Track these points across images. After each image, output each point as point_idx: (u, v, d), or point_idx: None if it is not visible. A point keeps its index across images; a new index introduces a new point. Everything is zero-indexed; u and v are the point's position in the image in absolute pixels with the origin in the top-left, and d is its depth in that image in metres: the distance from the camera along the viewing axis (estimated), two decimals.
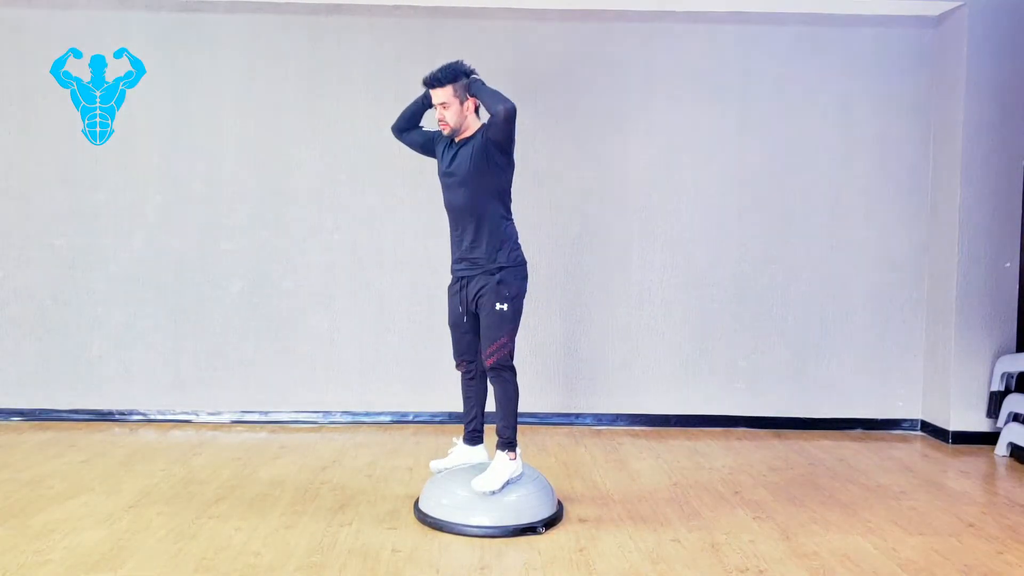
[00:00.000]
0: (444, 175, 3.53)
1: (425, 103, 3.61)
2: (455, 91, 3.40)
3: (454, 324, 3.64)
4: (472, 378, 3.69)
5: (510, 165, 3.48)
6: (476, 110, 3.49)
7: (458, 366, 3.71)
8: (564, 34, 5.17)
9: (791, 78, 5.20)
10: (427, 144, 3.67)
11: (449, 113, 3.42)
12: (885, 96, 5.21)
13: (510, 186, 3.53)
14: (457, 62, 3.46)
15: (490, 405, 3.74)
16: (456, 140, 3.50)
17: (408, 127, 3.72)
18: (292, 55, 5.14)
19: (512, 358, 3.50)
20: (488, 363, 3.47)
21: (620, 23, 5.16)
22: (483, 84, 3.44)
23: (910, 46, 5.20)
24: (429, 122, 3.66)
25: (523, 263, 3.55)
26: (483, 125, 3.44)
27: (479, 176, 3.41)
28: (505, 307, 3.44)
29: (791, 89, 5.20)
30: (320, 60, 5.15)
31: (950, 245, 5.01)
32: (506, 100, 3.31)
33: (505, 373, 3.49)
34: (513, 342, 3.49)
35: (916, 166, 5.23)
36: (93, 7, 5.09)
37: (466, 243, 3.50)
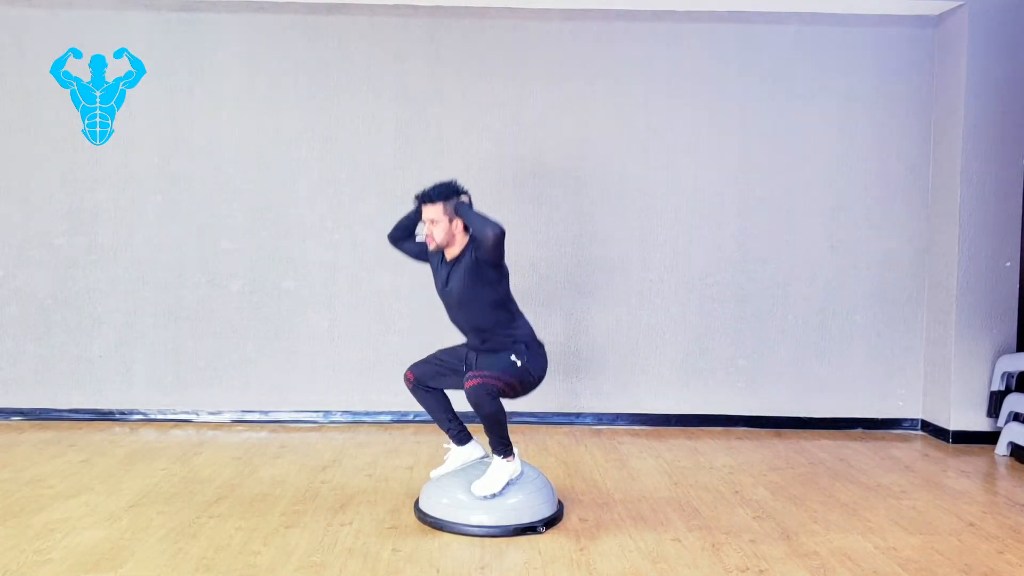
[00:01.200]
0: (442, 294, 3.57)
1: (418, 215, 3.62)
2: (444, 209, 3.42)
3: (444, 359, 3.61)
4: (415, 388, 3.64)
5: (503, 276, 3.48)
6: (465, 227, 3.46)
7: (406, 378, 3.65)
8: (565, 33, 5.17)
9: (791, 77, 5.20)
10: (423, 254, 3.69)
11: (437, 230, 3.44)
12: (885, 96, 5.21)
13: (509, 290, 3.53)
14: (450, 181, 3.48)
15: (461, 405, 3.71)
16: (447, 258, 3.52)
17: (403, 237, 3.76)
18: (292, 55, 5.14)
19: (493, 396, 3.34)
20: (469, 384, 3.32)
21: (621, 22, 5.16)
22: (471, 208, 3.45)
23: (910, 46, 5.19)
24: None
25: (542, 346, 3.54)
26: (470, 242, 3.43)
27: (475, 293, 3.43)
28: (519, 363, 3.41)
29: (791, 88, 5.20)
30: (320, 60, 5.15)
31: (950, 245, 5.01)
32: (493, 224, 3.29)
33: (484, 399, 3.33)
34: (502, 389, 3.36)
35: (916, 166, 5.23)
36: (93, 7, 5.10)
37: (477, 345, 3.51)
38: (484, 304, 3.45)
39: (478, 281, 3.42)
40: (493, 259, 3.38)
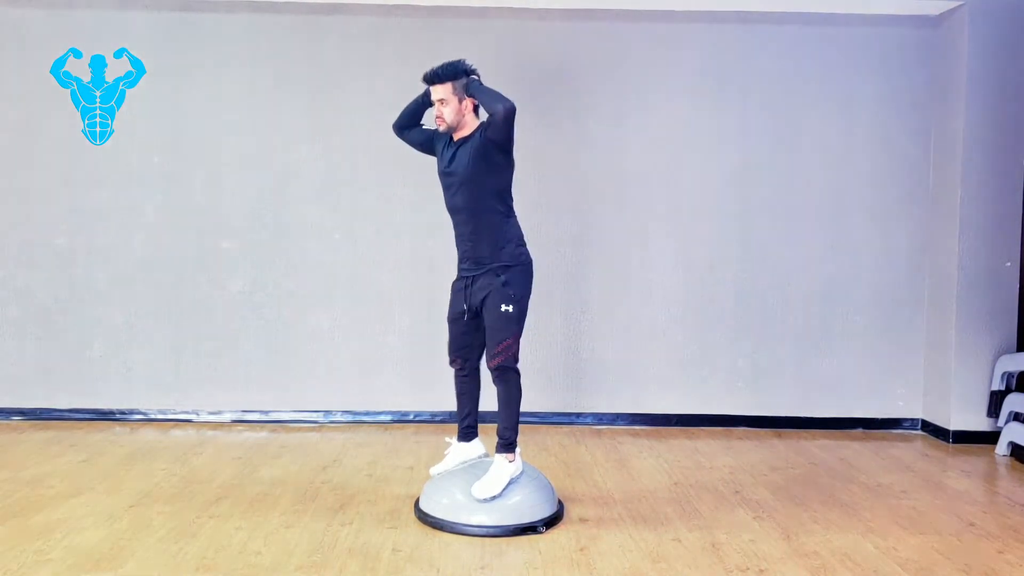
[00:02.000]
0: (444, 174, 3.53)
1: (425, 100, 3.61)
2: (454, 88, 3.41)
3: (453, 320, 3.63)
4: (466, 375, 3.67)
5: (510, 164, 3.47)
6: (475, 109, 3.49)
7: (452, 362, 3.69)
8: (565, 33, 5.17)
9: (792, 77, 5.20)
10: (427, 143, 3.67)
11: (447, 110, 3.43)
12: (885, 95, 5.21)
13: (511, 185, 3.52)
14: (458, 60, 3.46)
15: (486, 404, 3.74)
16: (455, 139, 3.50)
17: (409, 125, 3.72)
18: (292, 55, 5.14)
19: (517, 360, 3.49)
20: (493, 363, 3.45)
21: (621, 22, 5.16)
22: (481, 84, 3.44)
23: (910, 45, 5.19)
24: (431, 118, 3.65)
25: (528, 262, 3.55)
26: (481, 124, 3.44)
27: (479, 176, 3.40)
28: (511, 308, 3.43)
29: (792, 88, 5.20)
30: (320, 59, 5.14)
31: (950, 244, 5.01)
32: (505, 100, 3.30)
33: (510, 374, 3.48)
34: (518, 343, 3.48)
35: (916, 165, 5.23)
36: (93, 7, 5.10)
37: (469, 243, 3.50)
38: (486, 189, 3.42)
39: (484, 164, 3.38)
40: (504, 137, 3.34)
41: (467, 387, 3.70)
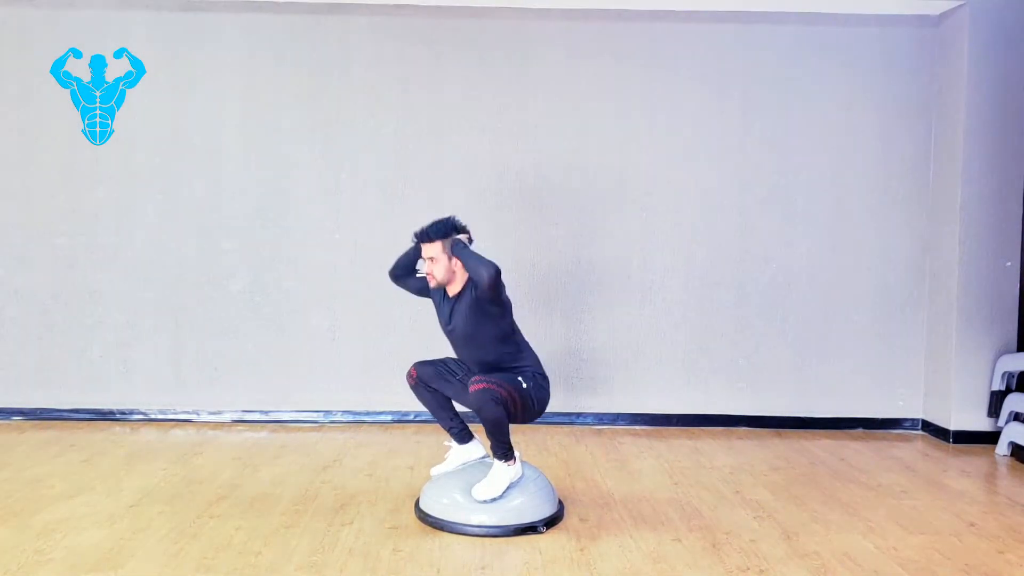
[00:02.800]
0: (446, 331, 3.57)
1: (417, 253, 3.62)
2: (444, 247, 3.44)
3: (448, 368, 3.61)
4: (417, 386, 3.63)
5: (506, 309, 3.48)
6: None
7: (410, 378, 3.63)
8: (566, 33, 5.17)
9: (792, 77, 5.20)
10: (424, 290, 3.68)
11: (437, 267, 3.45)
12: (886, 95, 5.21)
13: (513, 324, 3.53)
14: (449, 218, 3.49)
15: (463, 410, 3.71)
16: (449, 294, 3.53)
17: (404, 274, 3.76)
18: (293, 54, 5.14)
19: (499, 403, 3.31)
20: (476, 387, 3.31)
21: (622, 22, 5.16)
22: (465, 247, 3.44)
23: (911, 45, 5.19)
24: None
25: (546, 384, 3.53)
26: (471, 278, 3.43)
27: (479, 329, 3.44)
28: (524, 384, 3.40)
29: (792, 88, 5.20)
30: (321, 59, 5.14)
31: (951, 244, 5.01)
32: (488, 265, 3.30)
33: (489, 404, 3.31)
34: (506, 402, 3.33)
35: (917, 165, 5.23)
36: (93, 7, 5.09)
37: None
38: (489, 339, 3.46)
39: (481, 317, 3.42)
40: (492, 297, 3.37)
41: (430, 398, 3.64)
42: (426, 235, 3.46)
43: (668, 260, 5.23)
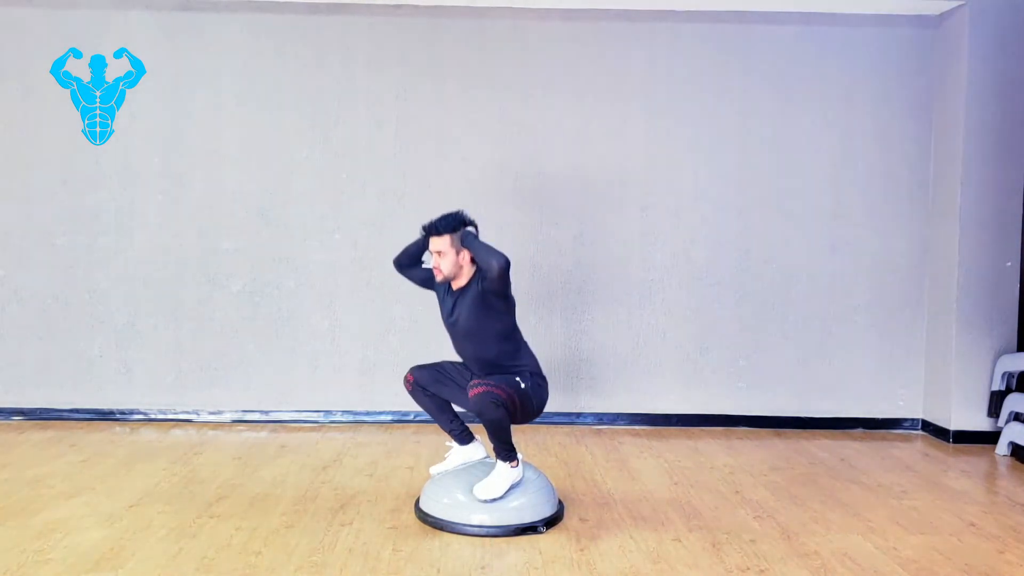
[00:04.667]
0: (448, 324, 3.56)
1: (424, 245, 3.61)
2: (452, 241, 3.43)
3: (447, 371, 3.61)
4: (414, 391, 3.64)
5: (510, 307, 3.49)
6: (472, 258, 3.47)
7: (407, 382, 3.64)
8: (565, 33, 5.17)
9: (792, 77, 5.20)
10: (428, 281, 3.68)
11: (444, 261, 3.45)
12: (886, 95, 5.21)
13: (515, 322, 3.54)
14: (458, 212, 3.48)
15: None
16: (454, 288, 3.52)
17: (410, 265, 3.74)
18: (293, 54, 5.14)
19: (499, 405, 3.32)
20: (475, 391, 3.31)
21: (621, 22, 5.16)
22: (475, 238, 3.45)
23: (911, 46, 5.19)
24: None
25: (544, 383, 3.53)
26: (478, 273, 3.44)
27: (482, 325, 3.43)
28: (522, 384, 3.40)
29: (792, 88, 5.20)
30: (321, 59, 5.14)
31: (951, 245, 5.01)
32: (498, 255, 3.31)
33: (490, 407, 3.32)
34: (506, 403, 3.33)
35: (917, 165, 5.23)
36: (93, 7, 5.09)
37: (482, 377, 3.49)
38: (490, 335, 3.45)
39: (485, 312, 3.42)
40: (499, 289, 3.37)
41: (428, 402, 3.64)
42: (435, 228, 3.45)
43: (668, 260, 5.23)
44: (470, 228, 3.49)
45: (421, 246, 3.66)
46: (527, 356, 3.54)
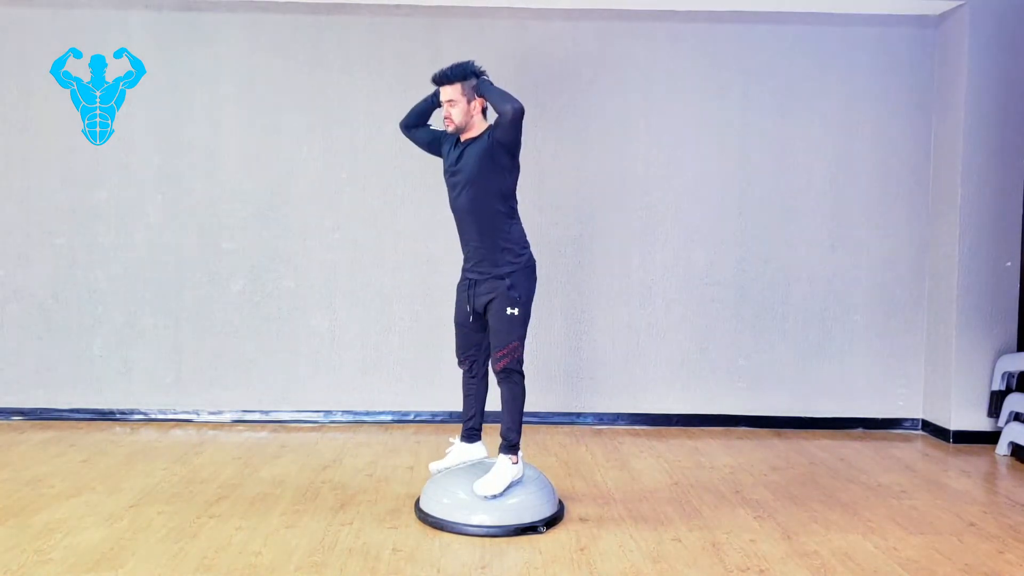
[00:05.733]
0: (449, 174, 3.53)
1: (434, 101, 3.60)
2: (463, 89, 3.41)
3: (460, 323, 3.64)
4: (474, 376, 3.70)
5: (515, 168, 3.48)
6: (484, 111, 3.49)
7: (460, 363, 3.72)
8: (566, 33, 5.17)
9: (792, 77, 5.20)
10: (434, 143, 3.67)
11: (456, 111, 3.42)
12: (886, 95, 5.21)
13: (515, 188, 3.53)
14: (468, 62, 3.47)
15: (491, 404, 3.76)
16: (462, 139, 3.50)
17: (416, 124, 3.72)
18: (293, 54, 5.14)
19: (522, 363, 3.50)
20: (498, 367, 3.47)
21: (621, 22, 5.16)
22: (491, 84, 3.45)
23: (911, 45, 5.19)
24: (438, 120, 3.65)
25: (532, 264, 3.56)
26: (490, 126, 3.44)
27: (484, 177, 3.41)
28: (516, 311, 3.45)
29: (792, 88, 5.20)
30: (321, 59, 5.14)
31: (951, 244, 5.01)
32: (514, 100, 3.31)
33: (515, 376, 3.49)
34: (523, 346, 3.50)
35: (917, 165, 5.23)
36: (93, 7, 5.09)
37: (473, 245, 3.51)
38: (491, 191, 3.42)
39: (490, 165, 3.39)
40: (511, 138, 3.35)
41: (474, 389, 3.71)
42: (445, 76, 3.42)
43: (668, 260, 5.23)
44: (483, 76, 3.46)
45: (429, 103, 3.64)
46: (517, 227, 3.52)
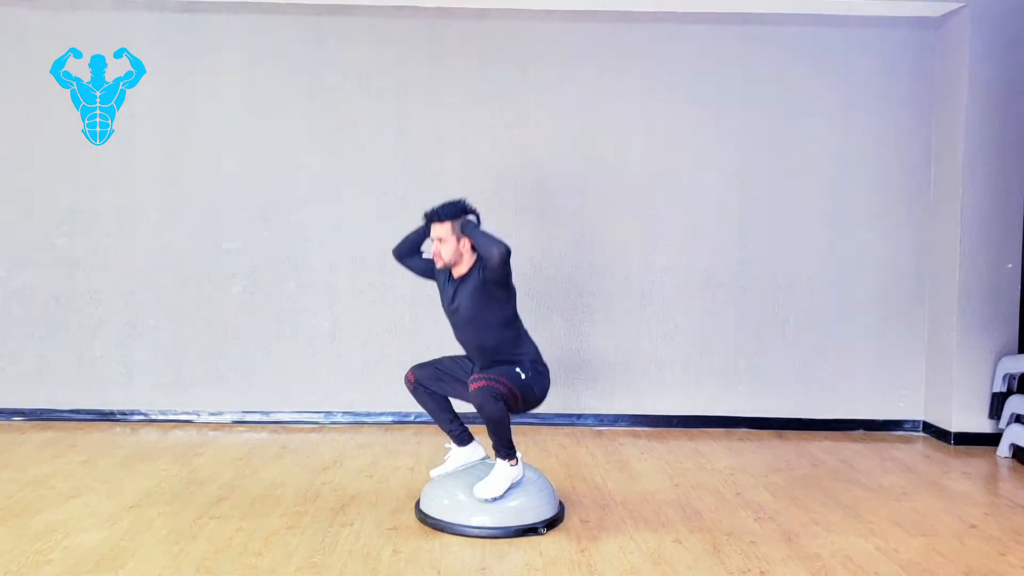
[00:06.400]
0: (449, 312, 3.57)
1: (426, 232, 3.61)
2: (453, 228, 3.44)
3: (449, 370, 3.61)
4: (415, 390, 3.63)
5: (511, 294, 3.50)
6: (472, 247, 3.47)
7: (406, 378, 3.64)
8: (565, 34, 5.16)
9: (793, 79, 5.19)
10: (428, 270, 3.69)
11: (445, 248, 3.45)
12: (886, 97, 5.20)
13: (516, 310, 3.55)
14: (459, 200, 3.49)
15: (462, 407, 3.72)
16: (455, 276, 3.52)
17: (409, 253, 3.75)
18: (293, 55, 5.14)
19: (498, 400, 3.32)
20: (475, 386, 3.32)
21: (621, 23, 5.16)
22: (476, 227, 3.46)
23: (912, 47, 5.19)
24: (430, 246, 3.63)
25: (546, 370, 3.55)
26: (478, 262, 3.44)
27: (483, 312, 3.44)
28: (523, 376, 3.41)
29: (792, 90, 5.20)
30: (321, 60, 5.14)
31: (951, 246, 5.00)
32: (499, 244, 3.31)
33: (489, 401, 3.32)
34: (506, 397, 3.34)
35: (917, 167, 5.23)
36: (93, 7, 5.09)
37: (484, 365, 3.49)
38: (491, 323, 3.46)
39: (485, 300, 3.43)
40: (499, 278, 3.38)
41: (429, 400, 3.64)
42: (436, 215, 3.45)
43: (668, 261, 5.23)
44: (471, 216, 3.49)
45: (421, 234, 3.66)
46: (527, 344, 3.54)
